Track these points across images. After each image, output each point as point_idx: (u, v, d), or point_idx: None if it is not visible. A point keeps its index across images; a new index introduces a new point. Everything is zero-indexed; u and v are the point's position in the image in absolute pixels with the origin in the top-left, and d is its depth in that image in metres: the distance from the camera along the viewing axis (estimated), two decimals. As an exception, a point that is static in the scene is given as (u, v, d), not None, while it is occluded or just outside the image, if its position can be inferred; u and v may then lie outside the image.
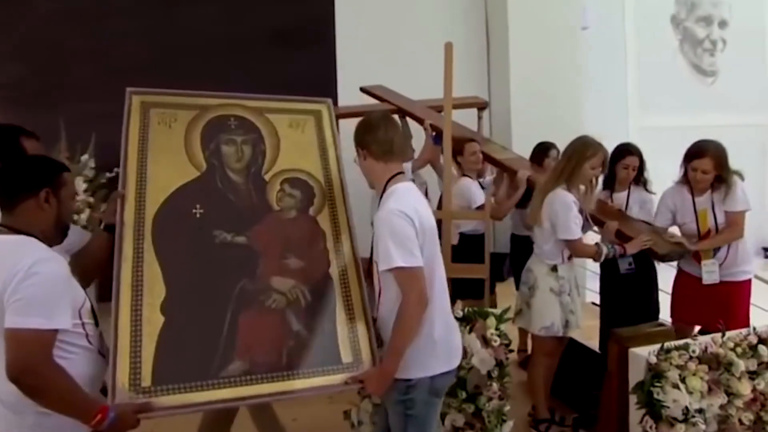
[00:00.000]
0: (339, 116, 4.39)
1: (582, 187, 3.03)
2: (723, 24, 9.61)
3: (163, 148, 2.21)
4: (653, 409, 2.39)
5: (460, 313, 2.67)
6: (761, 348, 2.56)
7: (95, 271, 2.02)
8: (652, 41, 9.16)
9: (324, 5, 6.31)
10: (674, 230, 3.34)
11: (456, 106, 5.01)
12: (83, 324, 1.70)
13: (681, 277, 3.31)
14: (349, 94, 6.14)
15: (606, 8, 8.35)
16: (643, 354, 2.47)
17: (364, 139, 2.05)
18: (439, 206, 3.59)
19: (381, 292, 2.02)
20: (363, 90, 5.13)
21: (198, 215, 2.12)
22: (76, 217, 2.85)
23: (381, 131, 2.02)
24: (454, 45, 3.46)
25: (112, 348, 1.80)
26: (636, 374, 2.51)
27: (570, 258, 3.06)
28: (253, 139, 2.35)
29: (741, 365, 2.46)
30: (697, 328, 3.14)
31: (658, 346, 2.51)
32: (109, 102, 5.80)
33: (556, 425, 3.23)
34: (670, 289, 3.38)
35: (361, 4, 6.41)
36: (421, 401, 1.97)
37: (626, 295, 3.48)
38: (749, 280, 3.17)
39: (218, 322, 1.95)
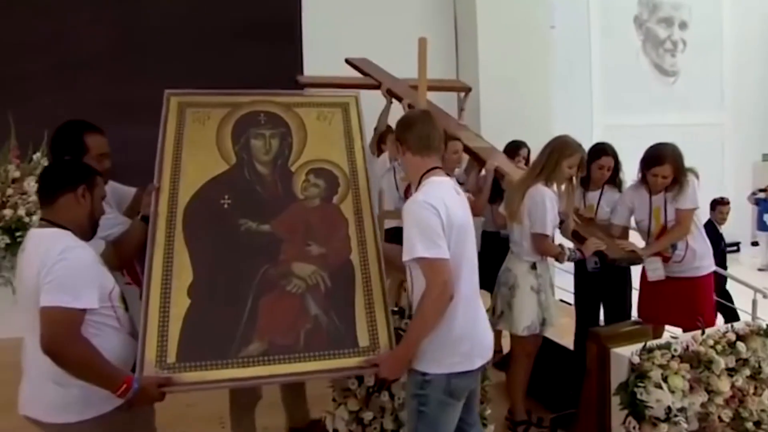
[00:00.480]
0: (309, 85, 4.35)
1: (561, 186, 2.99)
2: (683, 25, 9.85)
3: (197, 144, 2.35)
4: (636, 409, 2.34)
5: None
6: (739, 345, 2.55)
7: (131, 257, 2.18)
8: (616, 41, 9.32)
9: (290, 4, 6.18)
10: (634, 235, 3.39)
11: (437, 88, 4.92)
12: (113, 307, 1.86)
13: (646, 276, 3.30)
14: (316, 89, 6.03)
15: (571, 8, 8.43)
16: (625, 354, 2.43)
17: (403, 135, 2.08)
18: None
19: (413, 284, 2.00)
20: (348, 61, 4.95)
21: (226, 205, 2.24)
22: (27, 219, 2.72)
23: (419, 127, 2.06)
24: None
25: (141, 327, 1.94)
26: (618, 375, 2.46)
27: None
28: (281, 132, 2.45)
29: (721, 363, 2.45)
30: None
31: (639, 345, 2.47)
32: (63, 97, 5.61)
33: (535, 427, 3.18)
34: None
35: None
36: (435, 400, 1.94)
37: (599, 293, 3.48)
38: (711, 275, 3.21)
39: (240, 305, 2.05)
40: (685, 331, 3.12)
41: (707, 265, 3.15)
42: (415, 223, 1.89)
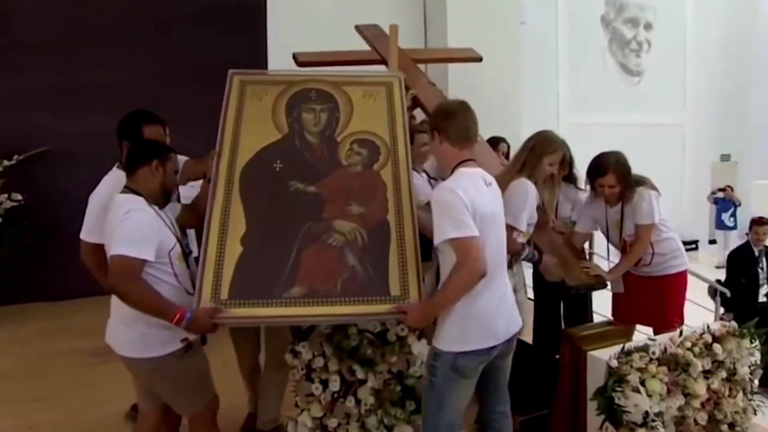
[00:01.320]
0: (307, 63, 4.18)
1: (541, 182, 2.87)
2: (648, 26, 9.96)
3: (254, 116, 2.62)
4: (614, 414, 2.26)
5: (409, 317, 2.45)
6: (716, 347, 2.49)
7: (203, 215, 2.39)
8: (583, 40, 9.35)
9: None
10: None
11: (448, 60, 4.72)
12: (171, 264, 2.17)
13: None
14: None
15: (540, 5, 8.40)
16: (602, 357, 2.34)
17: (442, 124, 2.12)
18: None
19: (441, 267, 2.11)
20: (357, 29, 4.70)
21: (277, 169, 2.50)
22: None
23: (460, 117, 2.12)
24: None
25: (200, 268, 2.21)
26: (594, 378, 2.38)
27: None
28: (329, 107, 2.67)
29: (698, 366, 2.38)
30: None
31: (616, 348, 2.39)
32: (8, 80, 5.25)
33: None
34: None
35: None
36: (441, 374, 2.04)
37: (558, 288, 3.27)
38: (683, 273, 3.15)
39: (285, 254, 2.28)
40: (655, 331, 3.08)
41: (678, 264, 3.08)
42: (442, 207, 1.99)
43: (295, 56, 4.42)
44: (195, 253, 2.50)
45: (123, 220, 2.06)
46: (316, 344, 2.51)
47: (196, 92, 5.48)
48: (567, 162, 3.00)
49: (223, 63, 5.96)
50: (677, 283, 3.10)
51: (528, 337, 3.47)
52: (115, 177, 2.47)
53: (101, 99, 5.39)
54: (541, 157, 2.78)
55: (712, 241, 10.39)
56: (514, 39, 6.62)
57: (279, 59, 6.01)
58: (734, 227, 9.64)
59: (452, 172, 2.12)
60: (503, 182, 2.74)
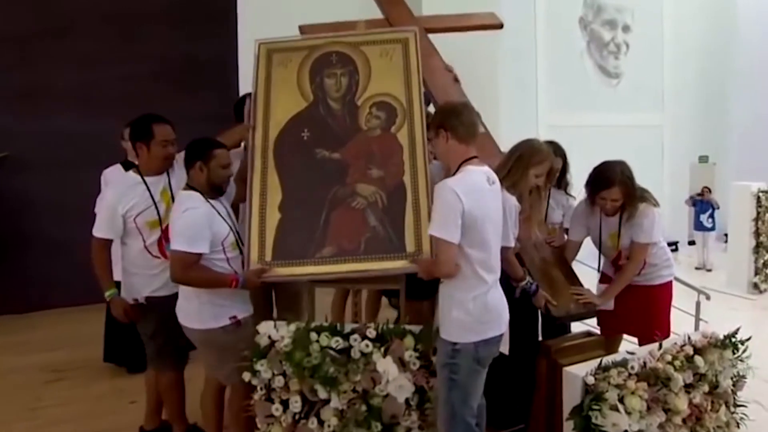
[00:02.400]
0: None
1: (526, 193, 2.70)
2: (626, 28, 9.90)
3: (281, 86, 2.85)
4: (591, 435, 2.12)
5: (373, 333, 2.29)
6: (697, 359, 2.38)
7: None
8: (561, 42, 9.27)
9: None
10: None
11: (464, 28, 4.39)
12: (224, 251, 2.48)
13: (604, 279, 3.10)
14: (251, 73, 5.67)
15: (517, 7, 8.30)
16: (578, 374, 2.21)
17: (449, 122, 2.17)
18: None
19: None
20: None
21: (305, 138, 2.77)
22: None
23: (466, 115, 2.19)
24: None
25: (246, 235, 2.59)
26: (571, 395, 2.24)
27: None
28: (349, 71, 2.87)
29: (680, 380, 2.26)
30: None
31: (593, 363, 2.25)
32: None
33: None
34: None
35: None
36: (465, 367, 2.12)
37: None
38: (669, 282, 3.02)
39: (316, 218, 2.61)
40: (640, 340, 2.97)
41: (666, 274, 2.95)
42: (440, 203, 2.09)
43: (300, 28, 4.01)
44: None
45: (179, 218, 2.38)
46: (275, 362, 2.36)
47: (167, 91, 5.34)
48: (554, 173, 2.84)
49: (193, 62, 5.76)
50: (664, 292, 2.97)
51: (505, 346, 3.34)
52: (120, 176, 2.90)
53: (65, 100, 5.22)
54: (527, 168, 2.60)
55: (692, 242, 10.38)
56: (491, 40, 6.50)
57: (252, 57, 5.86)
58: (712, 228, 9.63)
59: (458, 169, 2.17)
60: None
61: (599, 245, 2.99)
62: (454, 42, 5.71)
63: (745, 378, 2.59)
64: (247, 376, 2.38)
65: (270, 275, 2.52)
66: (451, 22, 3.88)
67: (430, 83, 3.34)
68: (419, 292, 2.84)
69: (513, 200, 2.53)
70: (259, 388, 2.40)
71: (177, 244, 2.34)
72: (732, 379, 2.53)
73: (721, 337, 2.53)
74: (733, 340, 2.54)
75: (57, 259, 5.19)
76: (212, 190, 2.51)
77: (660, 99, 10.54)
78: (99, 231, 2.66)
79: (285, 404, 2.36)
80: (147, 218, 2.62)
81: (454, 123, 2.16)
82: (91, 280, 4.50)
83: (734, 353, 2.53)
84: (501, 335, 2.20)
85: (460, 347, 2.11)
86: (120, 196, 2.62)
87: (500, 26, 4.42)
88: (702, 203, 9.63)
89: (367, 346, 2.28)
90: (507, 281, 2.61)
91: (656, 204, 2.82)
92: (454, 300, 2.13)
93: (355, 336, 2.31)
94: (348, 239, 2.57)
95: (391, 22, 3.83)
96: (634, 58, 10.01)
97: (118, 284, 2.79)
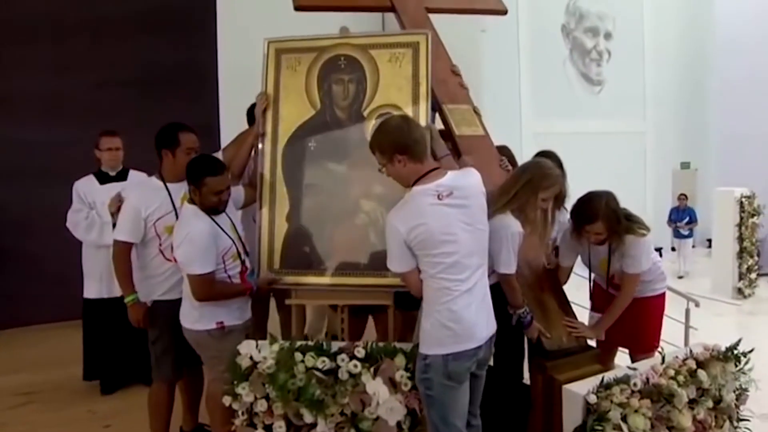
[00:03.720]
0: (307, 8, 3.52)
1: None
2: (608, 36, 9.96)
3: (290, 90, 2.84)
4: (594, 457, 2.00)
5: (362, 352, 2.16)
6: (701, 374, 2.28)
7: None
8: (544, 49, 9.28)
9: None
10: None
11: (468, 11, 4.17)
12: (224, 264, 2.49)
13: (597, 290, 3.03)
14: (231, 78, 5.48)
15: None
16: (579, 392, 2.10)
17: (402, 145, 2.05)
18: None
19: None
20: None
21: (312, 148, 2.78)
22: None
23: (415, 131, 2.09)
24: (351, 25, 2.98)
25: (257, 244, 2.71)
26: (571, 415, 2.13)
27: None
28: (357, 77, 2.81)
29: (684, 396, 2.16)
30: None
31: (593, 380, 2.15)
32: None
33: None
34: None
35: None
36: (437, 383, 2.04)
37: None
38: (662, 295, 2.93)
39: (321, 231, 2.71)
40: (631, 353, 2.89)
41: (659, 287, 2.88)
42: (387, 236, 2.09)
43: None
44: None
45: (183, 242, 2.41)
46: (257, 385, 2.22)
47: (140, 100, 5.17)
48: (562, 197, 2.72)
49: (168, 69, 5.57)
50: (655, 305, 2.88)
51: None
52: (141, 182, 3.05)
53: (34, 109, 5.02)
54: (535, 192, 2.47)
55: (674, 249, 10.42)
56: (474, 47, 6.45)
57: (230, 63, 5.72)
58: (689, 236, 9.67)
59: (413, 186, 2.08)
60: (491, 213, 2.39)
61: (589, 267, 2.91)
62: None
63: (748, 391, 2.50)
64: (227, 400, 2.23)
65: (278, 283, 2.68)
66: (453, 2, 3.67)
67: (435, 88, 3.16)
68: (413, 302, 2.70)
69: (516, 226, 2.40)
70: (240, 412, 2.25)
71: (192, 269, 2.40)
72: (735, 392, 2.44)
73: (723, 349, 2.44)
74: (735, 352, 2.45)
75: (26, 273, 4.99)
76: (209, 209, 2.51)
77: (642, 106, 10.61)
78: (121, 234, 2.69)
79: (268, 429, 2.23)
80: (166, 223, 2.67)
81: (408, 143, 2.04)
82: (63, 296, 4.35)
83: (737, 366, 2.44)
84: (476, 349, 2.07)
85: (429, 360, 2.05)
86: (143, 200, 2.68)
87: (504, 12, 4.13)
88: (678, 211, 9.66)
89: (355, 366, 2.16)
90: (502, 305, 2.52)
91: (645, 232, 2.67)
92: (424, 310, 2.09)
93: (343, 356, 2.18)
94: (350, 254, 2.66)
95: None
96: (616, 66, 10.07)
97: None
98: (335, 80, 2.81)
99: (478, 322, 2.08)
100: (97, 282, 3.61)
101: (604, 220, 2.59)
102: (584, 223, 2.63)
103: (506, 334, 2.98)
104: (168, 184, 2.71)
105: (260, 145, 2.80)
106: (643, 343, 2.81)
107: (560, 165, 3.09)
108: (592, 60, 9.89)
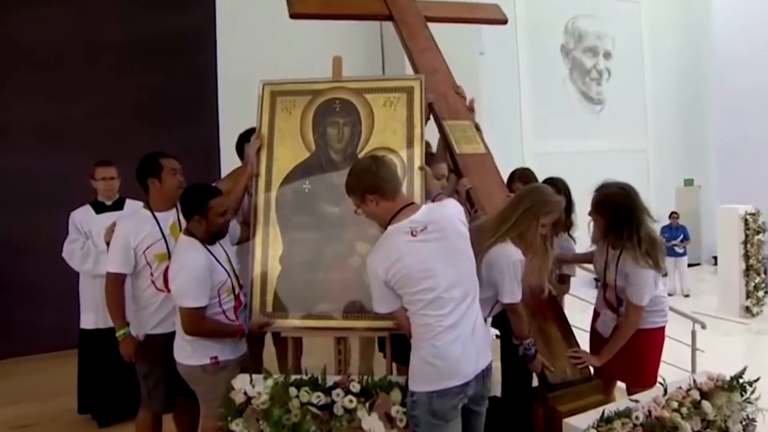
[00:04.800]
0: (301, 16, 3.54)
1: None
2: (607, 55, 10.03)
3: (285, 132, 2.85)
4: (596, 495, 1.95)
5: (357, 387, 2.12)
6: (705, 405, 2.22)
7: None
8: (544, 69, 9.34)
9: (203, 12, 5.67)
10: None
11: (468, 20, 4.03)
12: (219, 298, 2.48)
13: (595, 326, 2.95)
14: (231, 104, 5.45)
15: (499, 36, 8.34)
16: (579, 426, 2.05)
17: (371, 185, 2.08)
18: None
19: None
20: None
21: (306, 190, 2.78)
22: None
23: (382, 170, 2.10)
24: (349, 64, 2.99)
25: (250, 287, 2.68)
26: (572, 450, 2.07)
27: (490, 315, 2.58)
28: (352, 120, 2.84)
29: (688, 429, 2.11)
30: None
31: (593, 413, 2.10)
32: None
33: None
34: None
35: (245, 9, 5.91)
36: (423, 420, 2.02)
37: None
38: (661, 329, 2.82)
39: (315, 273, 2.69)
40: (628, 386, 2.78)
41: (658, 321, 2.78)
42: (370, 279, 2.11)
43: (289, 4, 3.56)
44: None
45: (178, 273, 2.41)
46: (252, 421, 2.18)
47: (140, 127, 5.18)
48: (560, 223, 2.69)
49: (167, 96, 5.58)
50: (654, 339, 2.78)
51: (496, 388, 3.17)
52: (129, 212, 3.03)
53: (31, 136, 5.02)
54: (536, 218, 2.41)
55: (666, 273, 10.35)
56: (474, 69, 6.48)
57: (230, 92, 5.75)
58: (684, 254, 9.60)
59: (389, 223, 2.09)
60: (482, 241, 2.38)
61: (604, 278, 2.82)
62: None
63: (755, 421, 2.44)
64: (221, 437, 2.19)
65: (270, 327, 2.67)
66: (453, 12, 3.68)
67: (435, 103, 3.23)
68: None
69: (517, 254, 2.34)
70: (233, 450, 2.20)
71: (185, 302, 2.40)
72: (741, 423, 2.38)
73: (728, 378, 2.39)
74: (741, 381, 2.40)
75: (23, 303, 4.94)
76: (211, 238, 2.52)
77: (643, 123, 10.64)
78: (113, 266, 2.66)
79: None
80: (156, 251, 2.66)
81: (377, 183, 2.06)
82: (58, 326, 4.32)
83: (742, 395, 2.38)
84: (463, 386, 2.02)
85: (416, 397, 2.02)
86: (131, 229, 2.67)
87: (505, 21, 4.07)
88: (670, 229, 9.60)
89: (350, 401, 2.11)
90: (509, 334, 2.52)
91: (644, 264, 2.58)
92: (412, 346, 2.08)
93: (338, 390, 2.14)
94: (344, 297, 2.63)
95: (389, 5, 3.62)
96: (616, 84, 10.13)
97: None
98: (330, 123, 2.83)
99: (465, 358, 2.03)
100: (93, 312, 3.56)
101: (594, 199, 2.68)
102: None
103: (513, 363, 2.97)
104: (156, 213, 2.71)
105: (254, 186, 2.79)
106: (640, 377, 2.70)
107: (568, 191, 3.08)
108: (592, 79, 9.95)
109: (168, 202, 2.73)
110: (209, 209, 2.46)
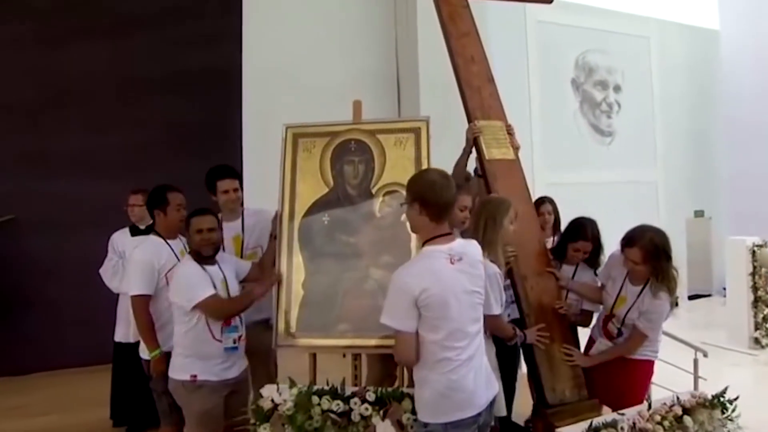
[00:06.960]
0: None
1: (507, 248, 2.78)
2: (617, 89, 10.27)
3: (306, 171, 3.16)
4: (584, 498, 2.16)
5: (372, 396, 2.38)
6: (686, 419, 2.43)
7: (271, 265, 3.10)
8: (555, 102, 9.59)
9: (230, 51, 6.01)
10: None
11: None
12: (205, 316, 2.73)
13: (590, 347, 3.14)
14: (256, 136, 5.74)
15: (510, 69, 8.64)
16: (570, 435, 2.26)
17: (425, 196, 2.10)
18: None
19: None
20: None
21: (326, 222, 3.09)
22: None
23: (445, 192, 2.11)
24: (364, 91, 3.32)
25: (275, 309, 2.97)
26: (564, 457, 2.29)
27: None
28: (366, 159, 3.15)
29: (669, 441, 2.31)
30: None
31: (582, 424, 2.32)
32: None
33: None
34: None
35: (270, 45, 6.28)
36: None
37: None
38: (650, 362, 2.97)
39: (335, 297, 2.96)
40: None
41: (648, 352, 2.91)
42: (392, 291, 2.09)
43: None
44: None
45: (172, 282, 2.73)
46: (277, 426, 2.43)
47: (168, 157, 5.46)
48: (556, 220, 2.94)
49: (195, 127, 5.91)
50: (641, 370, 2.94)
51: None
52: (145, 239, 3.15)
53: (69, 165, 5.32)
54: (501, 224, 2.66)
55: (692, 297, 10.39)
56: (485, 103, 6.75)
57: (255, 125, 6.07)
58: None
59: (425, 243, 2.15)
60: None
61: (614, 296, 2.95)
62: (448, 107, 5.96)
63: (736, 438, 2.63)
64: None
65: (295, 346, 2.93)
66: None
67: (469, 97, 3.48)
68: None
69: (493, 267, 2.53)
70: (261, 451, 2.45)
71: (199, 296, 2.61)
72: (723, 439, 2.58)
73: (710, 396, 2.59)
74: (722, 399, 2.60)
75: (58, 320, 5.21)
76: (201, 257, 2.75)
77: (653, 155, 10.80)
78: (135, 288, 2.89)
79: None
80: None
81: (431, 199, 2.09)
82: (92, 342, 4.57)
83: (723, 413, 2.57)
84: (476, 416, 2.12)
85: (431, 428, 2.10)
86: (154, 253, 2.94)
87: (550, 1, 4.21)
88: None
89: (366, 409, 2.36)
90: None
91: (671, 302, 2.75)
92: (422, 380, 2.12)
93: (355, 399, 2.39)
94: (360, 318, 2.88)
95: None
96: (626, 117, 10.34)
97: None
98: (347, 161, 3.15)
99: (478, 390, 2.13)
100: (125, 326, 3.78)
101: (640, 247, 2.71)
102: (624, 246, 2.79)
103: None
104: (167, 240, 3.02)
105: (277, 225, 3.09)
106: (625, 404, 2.71)
107: (597, 233, 3.27)
108: (602, 112, 10.18)
109: (173, 232, 3.05)
110: (189, 225, 2.78)
